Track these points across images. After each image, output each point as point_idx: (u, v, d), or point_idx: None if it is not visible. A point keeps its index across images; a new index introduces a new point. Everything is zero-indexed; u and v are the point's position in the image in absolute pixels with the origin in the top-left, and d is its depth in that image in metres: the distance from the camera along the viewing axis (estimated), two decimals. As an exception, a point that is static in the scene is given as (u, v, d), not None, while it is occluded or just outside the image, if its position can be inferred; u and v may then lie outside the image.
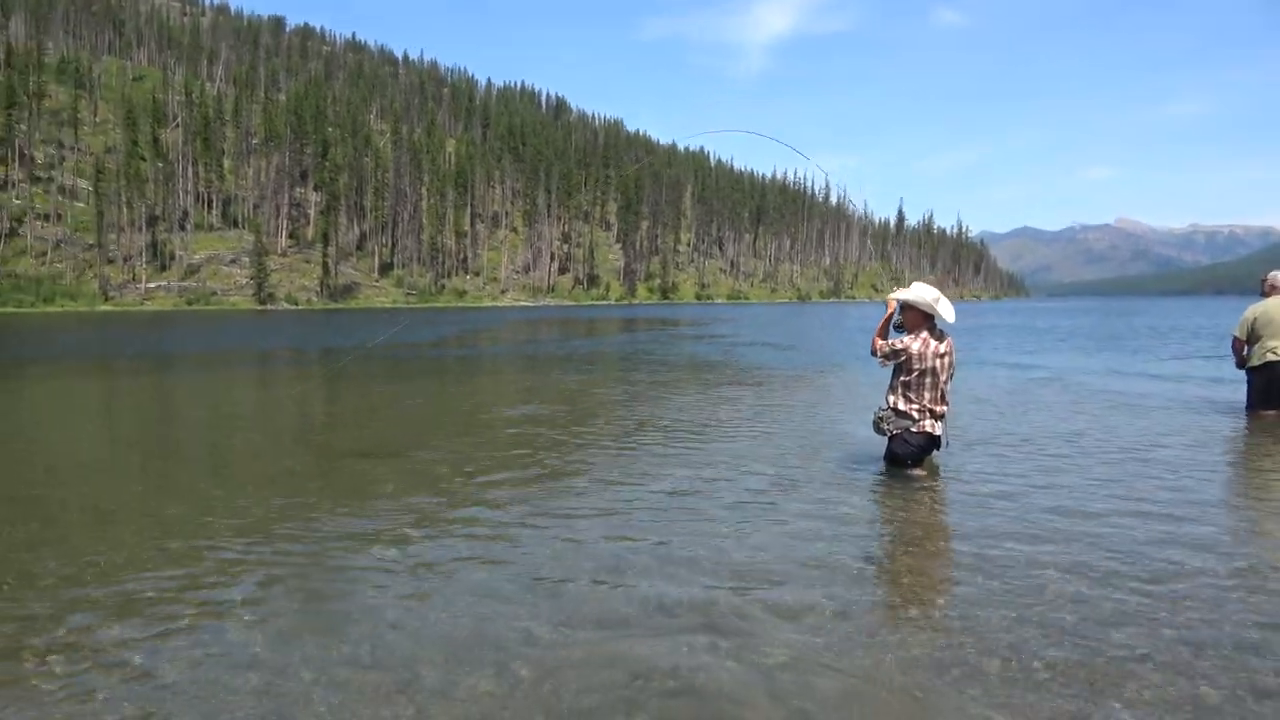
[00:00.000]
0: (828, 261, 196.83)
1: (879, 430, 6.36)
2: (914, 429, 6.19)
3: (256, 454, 7.75)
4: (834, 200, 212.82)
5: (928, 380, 6.14)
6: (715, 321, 47.99)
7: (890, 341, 6.29)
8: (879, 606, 3.72)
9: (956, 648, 3.20)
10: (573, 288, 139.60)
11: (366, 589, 3.95)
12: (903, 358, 6.19)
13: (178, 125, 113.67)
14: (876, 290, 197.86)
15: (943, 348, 6.17)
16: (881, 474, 6.29)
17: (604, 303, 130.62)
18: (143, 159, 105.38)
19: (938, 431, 6.22)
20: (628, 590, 3.86)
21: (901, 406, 6.22)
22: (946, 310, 6.18)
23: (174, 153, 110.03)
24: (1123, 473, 6.25)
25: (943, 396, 6.21)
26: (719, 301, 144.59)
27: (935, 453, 6.43)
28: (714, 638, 3.30)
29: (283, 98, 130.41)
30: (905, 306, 6.28)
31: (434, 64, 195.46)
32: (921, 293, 6.21)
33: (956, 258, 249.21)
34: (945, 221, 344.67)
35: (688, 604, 3.67)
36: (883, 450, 6.46)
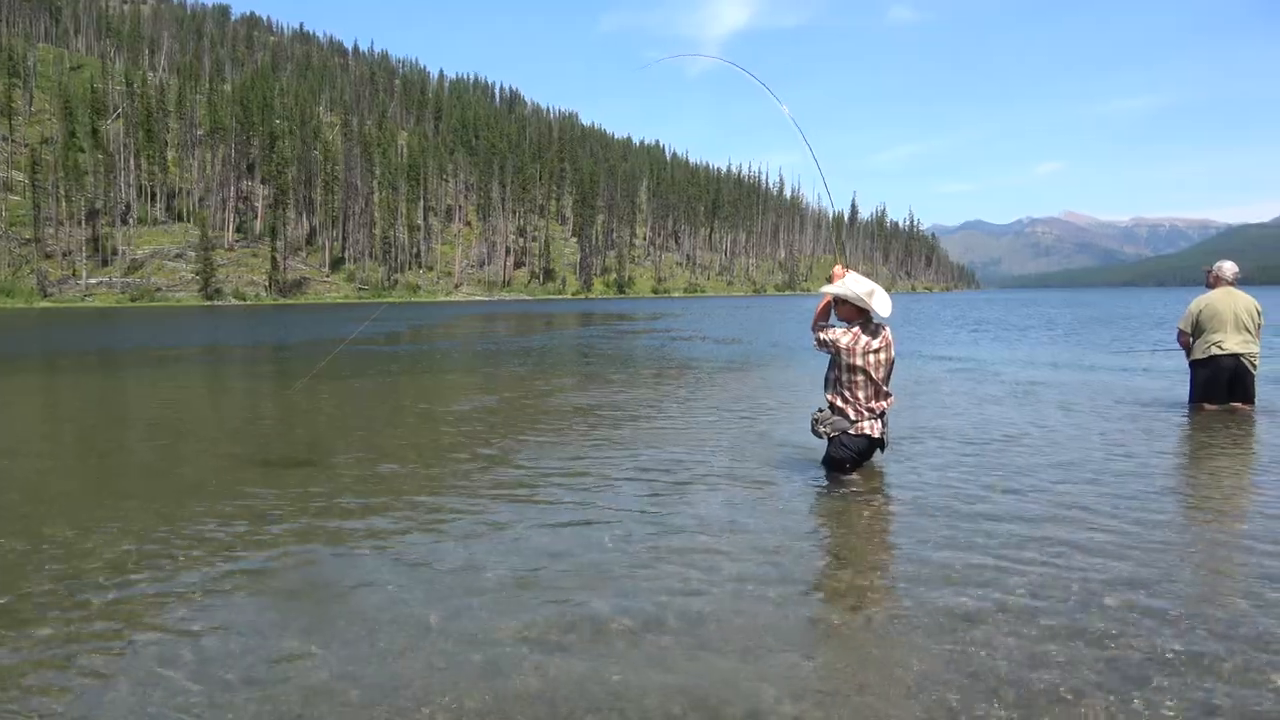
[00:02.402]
0: (783, 254, 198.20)
1: (816, 433, 5.98)
2: (852, 431, 5.81)
3: (158, 461, 7.36)
4: (788, 194, 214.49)
5: (860, 378, 5.77)
6: (667, 315, 47.89)
7: (824, 332, 5.94)
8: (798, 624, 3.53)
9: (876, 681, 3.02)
10: (528, 282, 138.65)
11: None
12: (833, 351, 5.86)
13: (118, 116, 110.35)
14: (829, 283, 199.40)
15: (876, 343, 5.77)
16: (812, 482, 5.89)
17: (560, 297, 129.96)
18: (81, 151, 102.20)
19: (876, 433, 5.86)
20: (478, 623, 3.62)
21: (838, 405, 5.86)
22: (881, 304, 5.78)
23: (114, 144, 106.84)
24: (1065, 476, 6.13)
25: (879, 393, 5.84)
26: (676, 295, 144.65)
27: (879, 453, 6.09)
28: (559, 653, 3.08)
29: (228, 88, 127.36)
30: (838, 300, 5.93)
31: (385, 55, 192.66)
32: (853, 285, 5.81)
33: (909, 250, 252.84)
34: (898, 215, 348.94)
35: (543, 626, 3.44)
36: (806, 452, 6.21)
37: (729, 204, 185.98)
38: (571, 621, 3.47)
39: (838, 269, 6.08)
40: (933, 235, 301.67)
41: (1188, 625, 3.34)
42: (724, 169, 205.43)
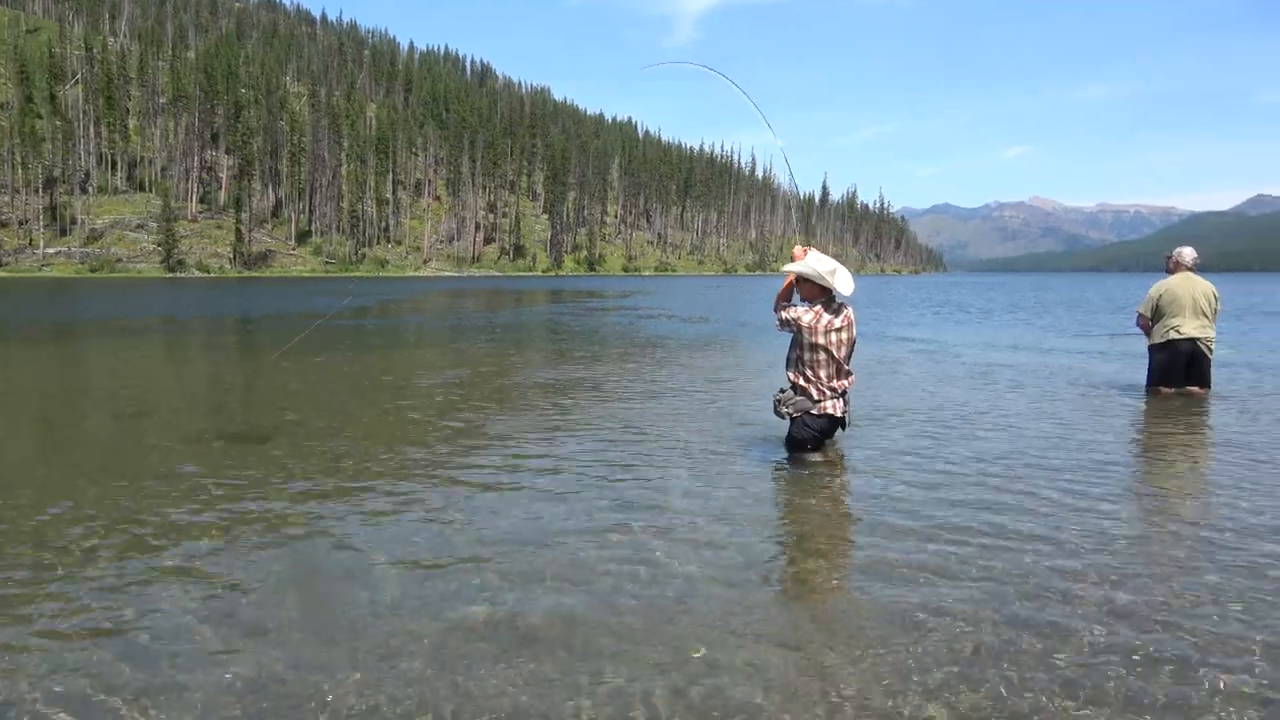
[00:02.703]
0: (754, 235, 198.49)
1: (778, 413, 5.95)
2: (814, 410, 5.79)
3: (102, 434, 7.20)
4: (760, 174, 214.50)
5: (821, 356, 5.75)
6: (637, 293, 47.78)
7: (785, 311, 5.93)
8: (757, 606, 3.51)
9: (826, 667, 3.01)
10: (498, 259, 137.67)
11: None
12: (795, 329, 5.84)
13: (77, 82, 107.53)
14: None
15: (838, 321, 5.76)
16: (776, 461, 5.88)
17: (530, 274, 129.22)
18: (39, 117, 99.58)
19: (838, 412, 5.85)
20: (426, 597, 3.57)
21: (800, 383, 5.83)
22: (843, 282, 5.77)
23: (73, 111, 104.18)
24: (1022, 460, 6.16)
25: (840, 372, 5.82)
26: (646, 274, 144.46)
27: (841, 432, 6.15)
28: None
29: (191, 55, 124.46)
30: (800, 279, 5.89)
31: (353, 25, 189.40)
32: (815, 264, 5.79)
33: (879, 233, 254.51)
34: (869, 197, 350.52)
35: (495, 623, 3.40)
36: (765, 431, 6.13)
37: (701, 183, 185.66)
38: (511, 610, 3.42)
39: (798, 249, 6.03)
40: (902, 218, 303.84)
41: (1122, 610, 3.36)
42: (696, 148, 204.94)
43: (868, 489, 5.25)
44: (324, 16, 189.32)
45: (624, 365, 12.16)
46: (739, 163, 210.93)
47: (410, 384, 10.43)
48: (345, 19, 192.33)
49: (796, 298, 6.05)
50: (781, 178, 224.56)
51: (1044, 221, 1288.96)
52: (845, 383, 5.88)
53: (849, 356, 5.91)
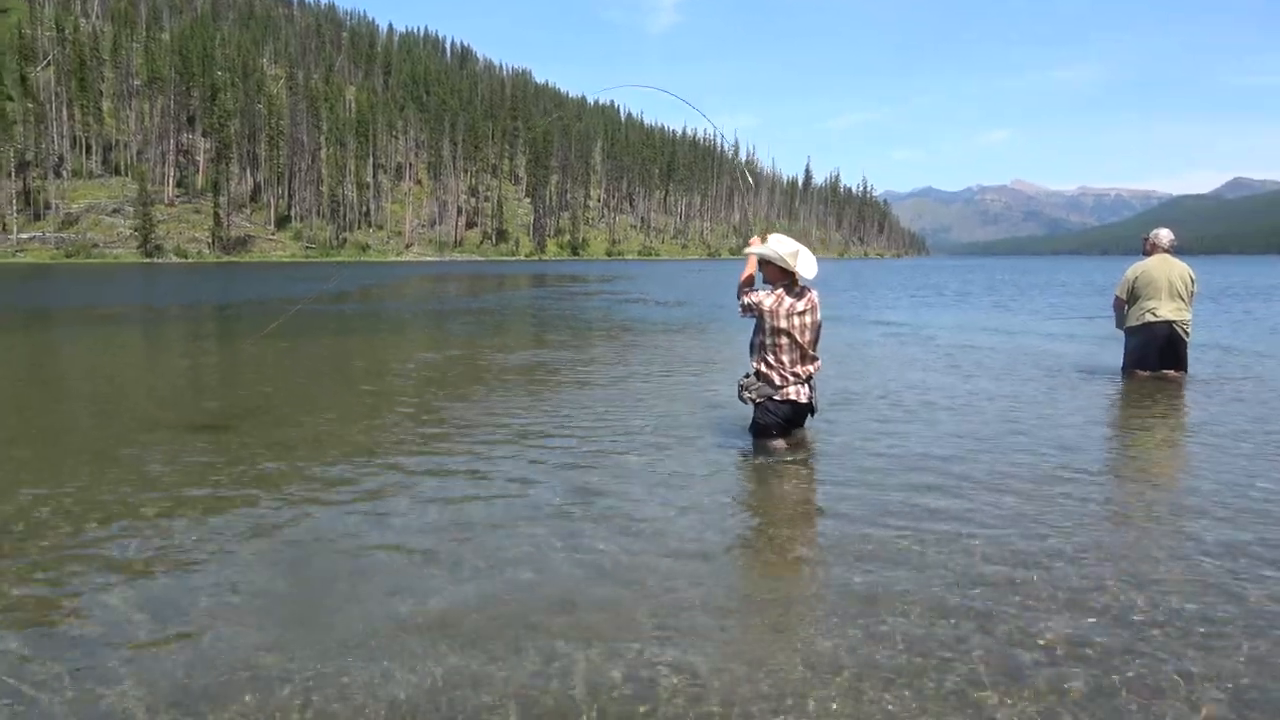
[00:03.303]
0: (737, 219, 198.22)
1: (742, 399, 5.85)
2: (777, 396, 5.66)
3: (69, 422, 7.03)
4: (743, 158, 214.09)
5: (784, 341, 5.60)
6: (619, 278, 47.61)
7: (746, 295, 5.80)
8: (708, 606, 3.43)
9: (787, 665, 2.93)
10: (481, 243, 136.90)
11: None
12: (757, 314, 5.70)
13: (49, 64, 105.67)
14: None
15: (801, 305, 5.62)
16: (737, 448, 5.76)
17: (513, 259, 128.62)
18: (10, 99, 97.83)
19: (803, 399, 5.71)
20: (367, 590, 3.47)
21: (763, 370, 5.70)
22: (806, 265, 5.64)
23: (45, 93, 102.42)
24: (993, 445, 6.08)
25: (805, 357, 5.68)
26: (630, 258, 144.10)
27: (809, 419, 6.00)
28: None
29: (166, 37, 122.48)
30: (763, 261, 5.76)
31: (331, 6, 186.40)
32: (776, 246, 5.66)
33: (862, 216, 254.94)
34: (852, 181, 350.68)
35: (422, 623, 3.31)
36: (743, 421, 6.01)
37: (684, 167, 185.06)
38: (480, 595, 3.33)
39: (755, 239, 5.97)
40: (885, 202, 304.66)
41: (1068, 593, 3.31)
42: (679, 131, 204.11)
43: (829, 474, 5.20)
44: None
45: (594, 350, 12.10)
46: (722, 146, 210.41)
47: (383, 370, 10.29)
48: (323, 1, 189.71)
49: (760, 282, 5.92)
50: (765, 160, 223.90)
51: (1025, 205, 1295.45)
52: (810, 368, 5.75)
53: (814, 341, 5.78)
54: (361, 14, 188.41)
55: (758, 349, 5.77)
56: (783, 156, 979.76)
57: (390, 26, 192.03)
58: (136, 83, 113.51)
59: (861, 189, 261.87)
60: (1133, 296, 9.00)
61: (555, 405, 7.51)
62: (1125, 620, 3.08)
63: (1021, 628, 3.01)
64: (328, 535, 4.06)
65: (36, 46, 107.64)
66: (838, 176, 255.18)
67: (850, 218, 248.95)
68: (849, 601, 3.25)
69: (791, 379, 5.66)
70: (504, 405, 7.52)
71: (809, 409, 5.85)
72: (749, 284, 5.92)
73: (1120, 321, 9.24)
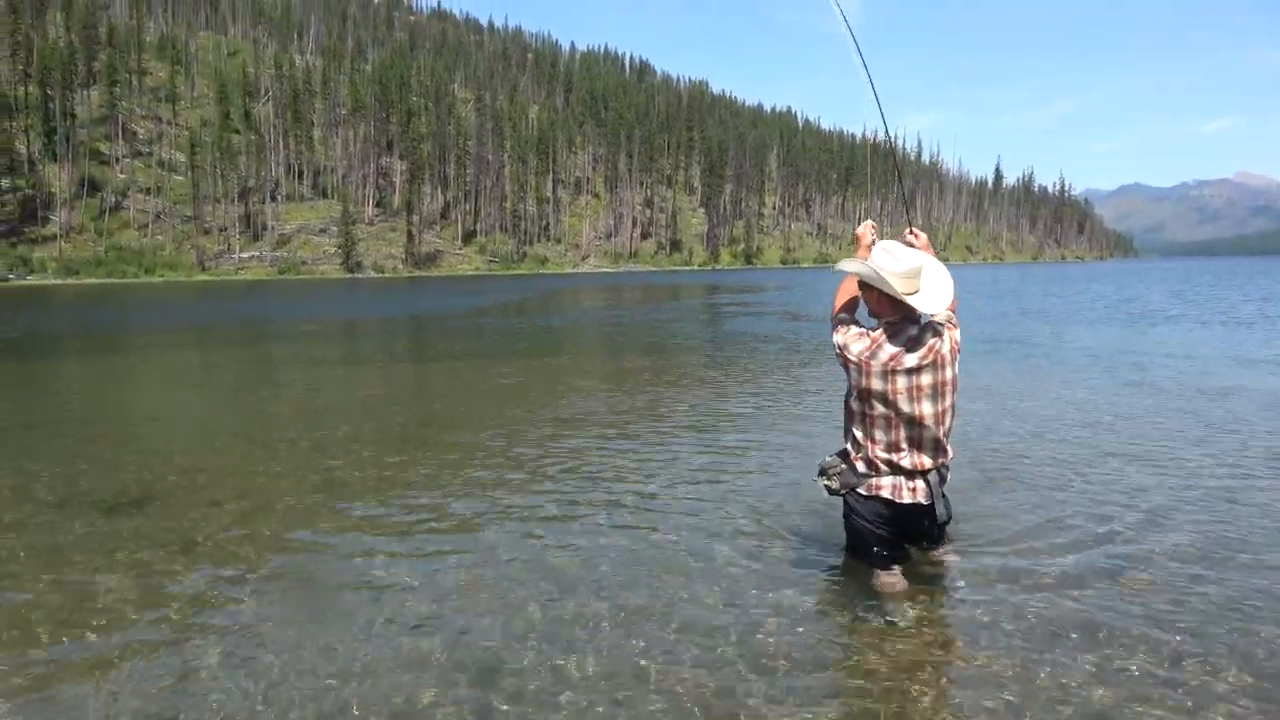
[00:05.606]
0: (920, 223, 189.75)
1: (828, 487, 3.83)
2: (861, 489, 3.70)
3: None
4: (926, 159, 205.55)
5: (878, 409, 3.59)
6: (793, 287, 46.15)
7: (838, 330, 3.77)
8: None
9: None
10: (655, 253, 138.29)
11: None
12: (841, 361, 3.74)
13: (268, 99, 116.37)
14: (970, 252, 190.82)
15: (910, 358, 3.52)
16: (829, 572, 3.96)
17: (686, 268, 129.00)
18: (236, 132, 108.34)
19: (910, 498, 3.62)
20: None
21: (847, 445, 3.82)
22: (930, 294, 3.60)
23: (265, 125, 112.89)
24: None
25: (917, 441, 3.59)
26: (805, 266, 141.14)
27: (945, 536, 4.03)
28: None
29: (369, 68, 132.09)
30: (863, 285, 3.75)
31: (518, 30, 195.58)
32: (882, 261, 3.58)
33: (1059, 217, 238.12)
34: (1046, 178, 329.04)
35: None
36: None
37: (863, 171, 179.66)
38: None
39: (861, 229, 4.09)
40: (1085, 200, 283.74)
41: None
42: (858, 134, 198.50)
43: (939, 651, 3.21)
44: (490, 23, 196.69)
45: (707, 386, 11.15)
46: (904, 147, 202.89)
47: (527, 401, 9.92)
48: (511, 24, 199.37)
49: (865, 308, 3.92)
50: (951, 161, 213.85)
51: (1253, 200, 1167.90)
52: (924, 459, 3.62)
53: (941, 416, 3.60)
54: (546, 35, 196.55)
55: (848, 415, 3.82)
56: (969, 155, 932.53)
57: (573, 45, 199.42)
58: (342, 112, 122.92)
59: (1059, 187, 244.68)
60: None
61: (624, 472, 6.05)
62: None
63: None
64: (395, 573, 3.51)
65: (259, 83, 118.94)
66: (1031, 175, 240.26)
67: (1045, 218, 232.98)
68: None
69: (885, 468, 3.65)
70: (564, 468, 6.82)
71: (930, 513, 3.69)
72: (850, 309, 3.86)
73: None
